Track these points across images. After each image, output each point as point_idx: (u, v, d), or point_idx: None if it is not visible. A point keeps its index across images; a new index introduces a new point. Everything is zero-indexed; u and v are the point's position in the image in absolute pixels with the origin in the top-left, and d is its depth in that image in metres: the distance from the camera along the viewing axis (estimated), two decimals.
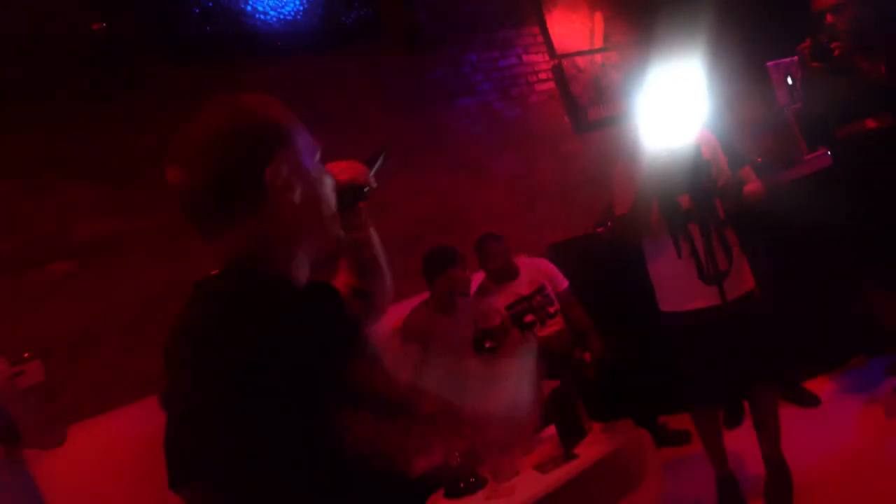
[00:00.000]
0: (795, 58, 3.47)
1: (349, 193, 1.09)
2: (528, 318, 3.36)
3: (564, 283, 3.47)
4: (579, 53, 4.56)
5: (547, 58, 4.53)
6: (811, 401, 3.11)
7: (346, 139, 3.35)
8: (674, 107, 2.32)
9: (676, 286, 2.53)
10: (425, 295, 3.28)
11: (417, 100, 3.99)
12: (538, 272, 3.45)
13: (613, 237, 3.40)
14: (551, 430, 2.68)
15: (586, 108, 4.50)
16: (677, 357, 2.59)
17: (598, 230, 3.90)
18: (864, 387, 3.13)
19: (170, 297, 2.78)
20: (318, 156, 1.00)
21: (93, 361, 2.88)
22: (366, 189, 1.13)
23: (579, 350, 3.26)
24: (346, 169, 1.11)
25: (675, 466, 2.98)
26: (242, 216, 0.90)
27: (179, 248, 2.71)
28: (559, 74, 4.51)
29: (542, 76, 4.52)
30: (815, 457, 2.69)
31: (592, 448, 2.55)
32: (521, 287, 3.40)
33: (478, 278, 3.44)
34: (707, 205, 2.47)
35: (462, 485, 2.46)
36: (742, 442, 2.85)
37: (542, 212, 4.20)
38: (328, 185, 1.01)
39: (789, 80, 3.72)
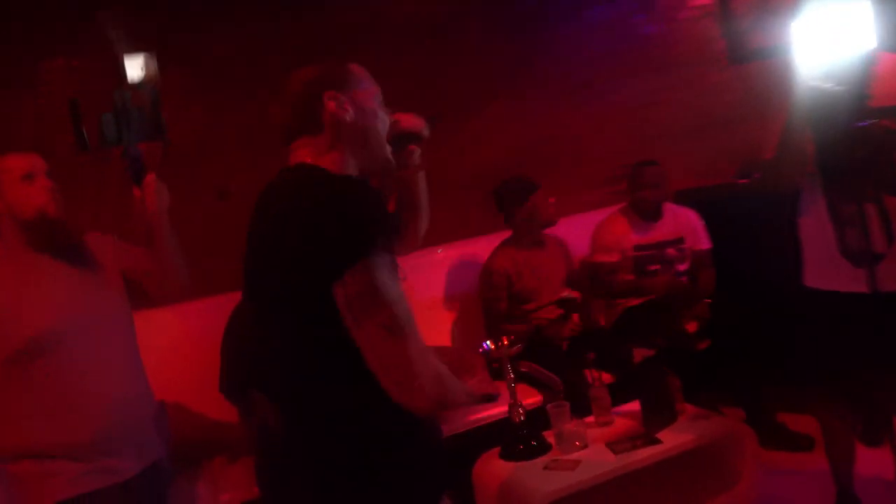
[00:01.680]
0: None
1: (404, 136, 1.41)
2: (652, 267, 3.02)
3: (707, 244, 3.10)
4: None
5: None
6: None
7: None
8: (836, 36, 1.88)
9: (824, 257, 2.04)
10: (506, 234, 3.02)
11: (536, 8, 3.50)
12: (684, 222, 3.09)
13: (759, 189, 2.88)
14: (636, 405, 2.33)
15: (747, 31, 3.78)
16: (812, 345, 2.13)
17: (742, 181, 3.34)
18: None
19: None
20: (377, 97, 1.30)
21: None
22: (417, 135, 1.44)
23: (686, 318, 2.82)
24: (407, 118, 1.44)
25: (788, 476, 2.54)
26: (311, 129, 1.24)
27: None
28: None
29: None
30: None
31: (681, 435, 2.20)
32: (660, 232, 3.05)
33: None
34: (873, 159, 1.92)
35: (521, 447, 2.20)
36: (880, 464, 2.34)
37: (669, 152, 3.60)
38: (382, 120, 1.31)
39: None
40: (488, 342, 2.32)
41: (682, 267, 3.06)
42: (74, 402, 1.59)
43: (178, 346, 2.57)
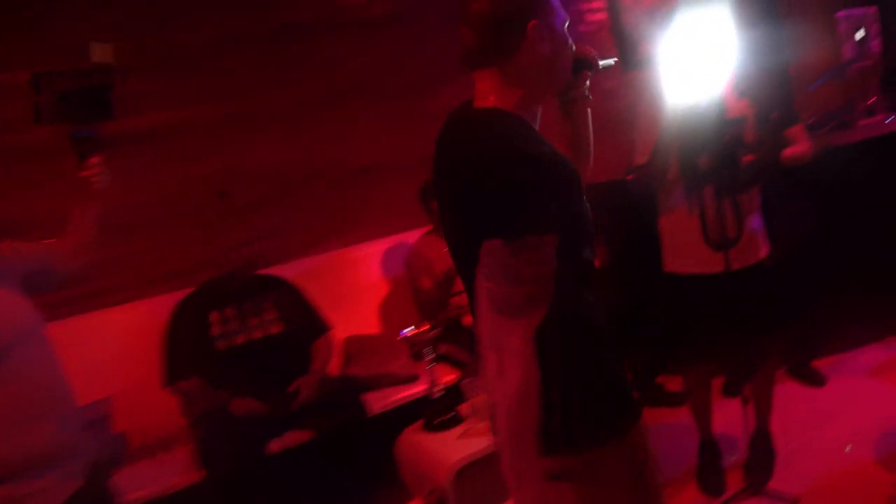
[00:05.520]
0: (870, 9, 3.14)
1: (580, 62, 1.35)
2: None
3: None
4: None
5: None
6: (816, 380, 3.01)
7: None
8: (701, 55, 2.14)
9: (682, 247, 2.43)
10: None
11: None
12: None
13: (634, 189, 3.27)
14: None
15: (637, 42, 4.21)
16: (674, 318, 2.52)
17: (629, 177, 3.74)
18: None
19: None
20: (567, 24, 1.27)
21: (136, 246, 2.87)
22: (593, 64, 1.38)
23: None
24: (584, 48, 1.38)
25: (665, 429, 2.97)
26: (500, 57, 1.20)
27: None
28: (613, 4, 4.20)
29: (595, 5, 4.22)
30: (805, 434, 2.65)
31: None
32: None
33: None
34: (726, 166, 2.31)
35: (439, 420, 2.51)
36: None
37: None
38: (570, 48, 1.28)
39: (859, 34, 3.38)
40: (408, 329, 2.61)
41: None
42: None
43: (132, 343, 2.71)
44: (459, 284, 3.13)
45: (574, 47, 1.30)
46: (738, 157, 2.34)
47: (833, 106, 3.50)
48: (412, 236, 3.26)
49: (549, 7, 1.23)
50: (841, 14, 3.44)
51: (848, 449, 2.54)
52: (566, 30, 1.27)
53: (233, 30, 3.06)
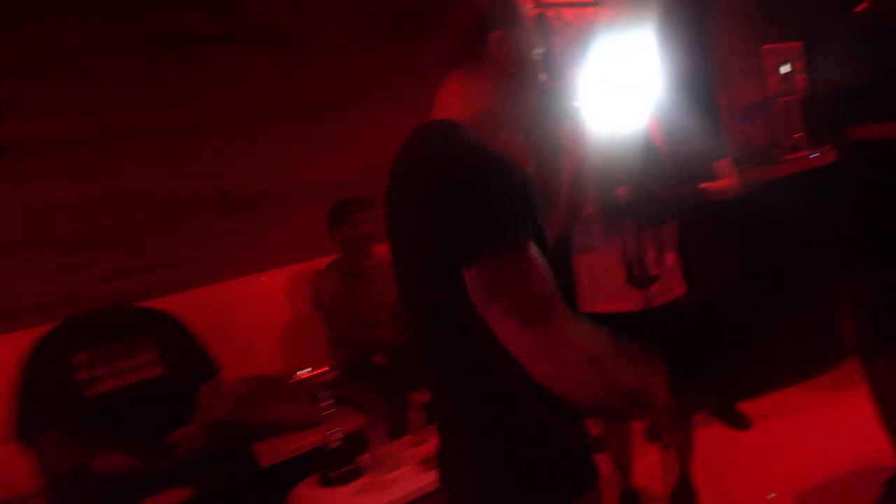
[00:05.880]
0: (795, 43, 3.13)
1: (557, 101, 1.31)
2: None
3: None
4: (568, 5, 4.14)
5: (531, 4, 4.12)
6: (741, 423, 2.90)
7: None
8: (622, 85, 2.03)
9: (600, 286, 2.29)
10: None
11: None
12: None
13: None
14: None
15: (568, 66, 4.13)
16: None
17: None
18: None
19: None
20: (540, 53, 1.20)
21: None
22: (570, 107, 1.33)
23: None
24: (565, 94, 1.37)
25: None
26: (470, 56, 1.15)
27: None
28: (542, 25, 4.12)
29: None
30: (729, 481, 2.52)
31: None
32: None
33: None
34: (648, 200, 2.20)
35: (336, 473, 2.26)
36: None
37: None
38: (538, 76, 1.20)
39: (784, 69, 3.36)
40: (303, 370, 2.37)
41: None
42: None
43: None
44: (371, 319, 3.04)
45: (551, 87, 1.28)
46: (658, 191, 2.24)
47: (759, 140, 3.48)
48: (317, 265, 3.02)
49: (519, 25, 1.19)
50: (766, 47, 3.43)
51: (771, 497, 2.44)
52: (538, 59, 1.21)
53: (105, 35, 2.76)
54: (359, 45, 3.33)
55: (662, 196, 2.24)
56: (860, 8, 2.14)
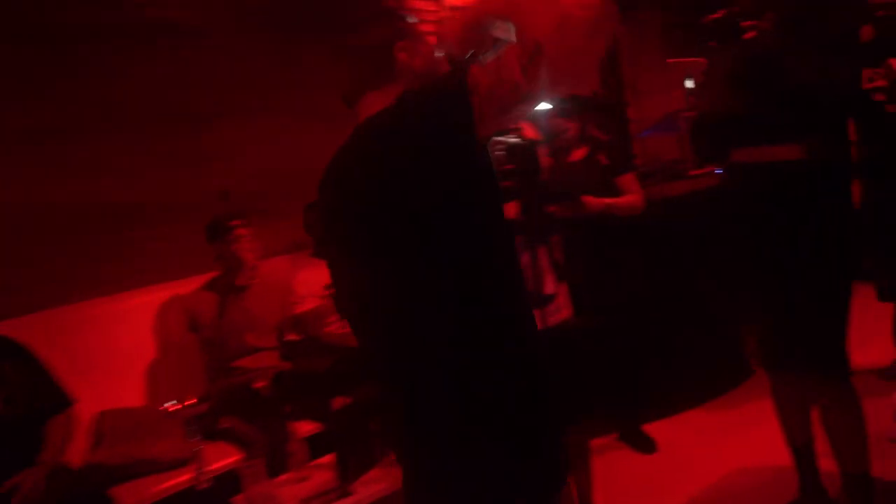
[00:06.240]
0: (700, 59, 3.12)
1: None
2: None
3: None
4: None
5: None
6: (646, 446, 2.81)
7: None
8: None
9: None
10: None
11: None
12: None
13: None
14: (332, 456, 2.26)
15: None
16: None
17: None
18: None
19: None
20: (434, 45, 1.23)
21: None
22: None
23: None
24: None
25: None
26: (378, 83, 1.19)
27: None
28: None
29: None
30: None
31: (374, 484, 2.16)
32: None
33: None
34: (538, 214, 2.08)
35: None
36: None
37: None
38: (440, 60, 1.24)
39: (689, 83, 3.36)
40: (170, 402, 2.12)
41: None
42: None
43: None
44: (252, 342, 2.78)
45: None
46: (544, 206, 2.16)
47: (665, 155, 3.45)
48: (188, 285, 2.77)
49: (414, 27, 1.23)
50: (671, 61, 3.42)
51: None
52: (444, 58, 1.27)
53: None
54: (253, 45, 3.11)
55: (546, 212, 2.18)
56: (748, 36, 2.12)
